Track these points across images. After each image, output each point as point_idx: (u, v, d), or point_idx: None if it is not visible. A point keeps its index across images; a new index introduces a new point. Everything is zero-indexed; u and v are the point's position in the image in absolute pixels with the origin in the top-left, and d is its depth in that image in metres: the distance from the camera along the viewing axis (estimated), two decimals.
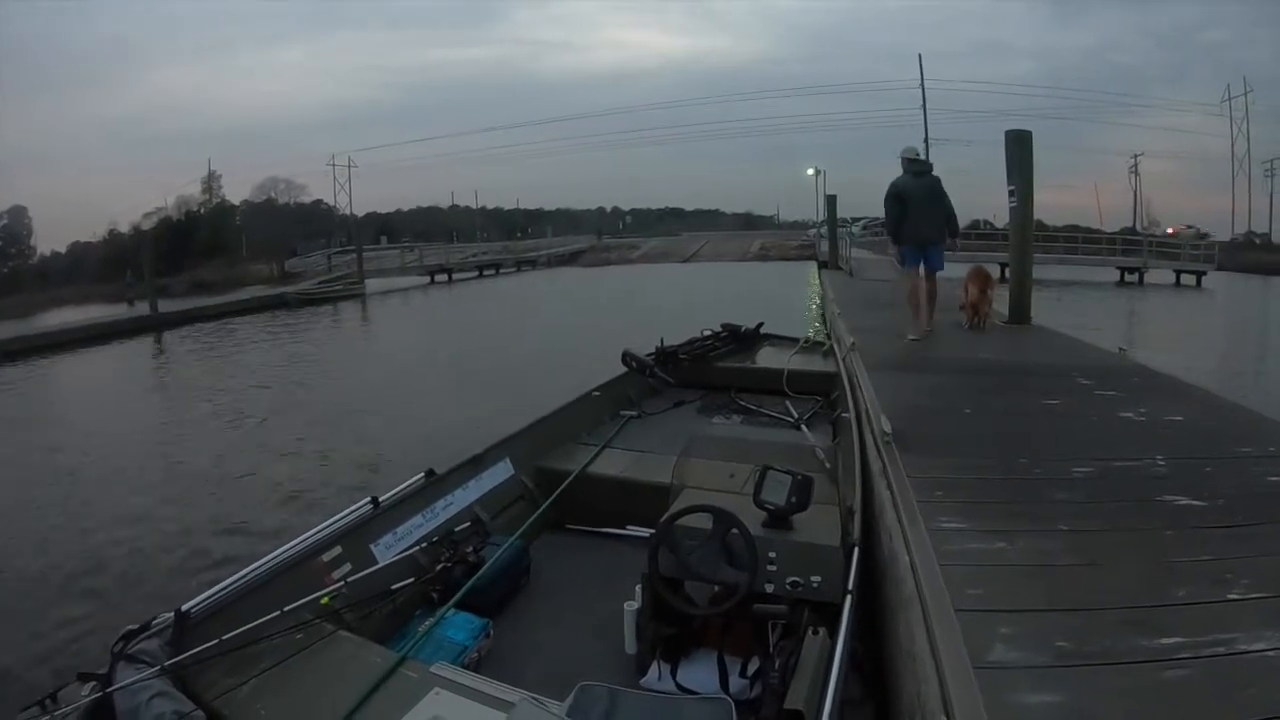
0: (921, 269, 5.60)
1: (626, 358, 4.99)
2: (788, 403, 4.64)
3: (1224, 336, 12.69)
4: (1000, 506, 2.12)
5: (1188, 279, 21.30)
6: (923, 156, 5.69)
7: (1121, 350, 4.89)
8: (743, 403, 4.76)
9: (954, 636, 1.44)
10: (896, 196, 5.43)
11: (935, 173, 5.57)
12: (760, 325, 6.26)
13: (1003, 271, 19.73)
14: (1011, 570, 1.73)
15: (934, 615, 1.52)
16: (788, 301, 15.24)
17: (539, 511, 2.91)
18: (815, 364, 5.34)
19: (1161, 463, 2.49)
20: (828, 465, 2.87)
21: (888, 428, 2.74)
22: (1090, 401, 3.53)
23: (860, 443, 2.97)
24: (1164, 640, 1.43)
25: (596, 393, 4.34)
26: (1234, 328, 14.18)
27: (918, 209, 5.40)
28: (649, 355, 5.08)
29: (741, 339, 5.97)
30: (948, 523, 1.99)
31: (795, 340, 6.17)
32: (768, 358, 5.68)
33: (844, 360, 4.88)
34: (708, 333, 5.78)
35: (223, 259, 36.28)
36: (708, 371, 5.26)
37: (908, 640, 1.64)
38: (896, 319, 6.08)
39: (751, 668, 2.00)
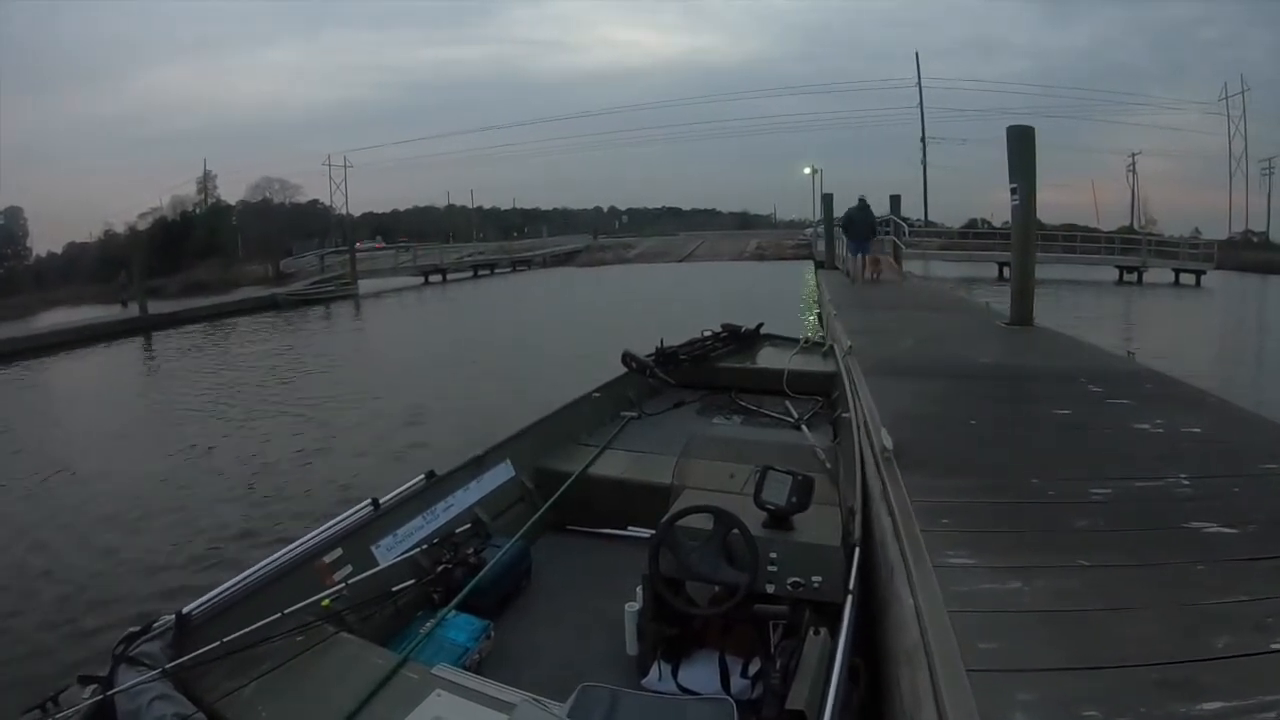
0: (860, 256, 12.61)
1: (626, 358, 4.95)
2: (788, 403, 4.60)
3: (1227, 336, 12.56)
4: (1013, 537, 1.93)
5: (1187, 278, 21.22)
6: (867, 202, 12.57)
7: (1130, 354, 4.72)
8: (743, 403, 4.72)
9: (966, 702, 1.26)
10: (848, 218, 12.59)
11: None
12: (760, 325, 6.22)
13: (1001, 271, 19.93)
14: (1029, 617, 1.54)
15: (943, 679, 1.34)
16: (784, 301, 15.12)
17: (540, 512, 2.90)
18: (815, 364, 5.31)
19: (1185, 482, 2.30)
20: (828, 465, 2.83)
21: (888, 443, 2.55)
22: (1102, 411, 3.32)
23: (860, 446, 2.91)
24: (1206, 705, 1.26)
25: (597, 393, 4.31)
26: (1236, 327, 14.03)
27: (857, 227, 12.38)
28: (649, 356, 5.04)
29: (741, 339, 5.93)
30: (955, 558, 1.80)
31: (795, 340, 6.15)
32: (768, 358, 5.64)
33: (843, 360, 4.78)
34: (708, 333, 5.74)
35: (218, 259, 35.91)
36: (708, 372, 5.22)
37: (912, 704, 1.46)
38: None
39: (753, 668, 1.98)
